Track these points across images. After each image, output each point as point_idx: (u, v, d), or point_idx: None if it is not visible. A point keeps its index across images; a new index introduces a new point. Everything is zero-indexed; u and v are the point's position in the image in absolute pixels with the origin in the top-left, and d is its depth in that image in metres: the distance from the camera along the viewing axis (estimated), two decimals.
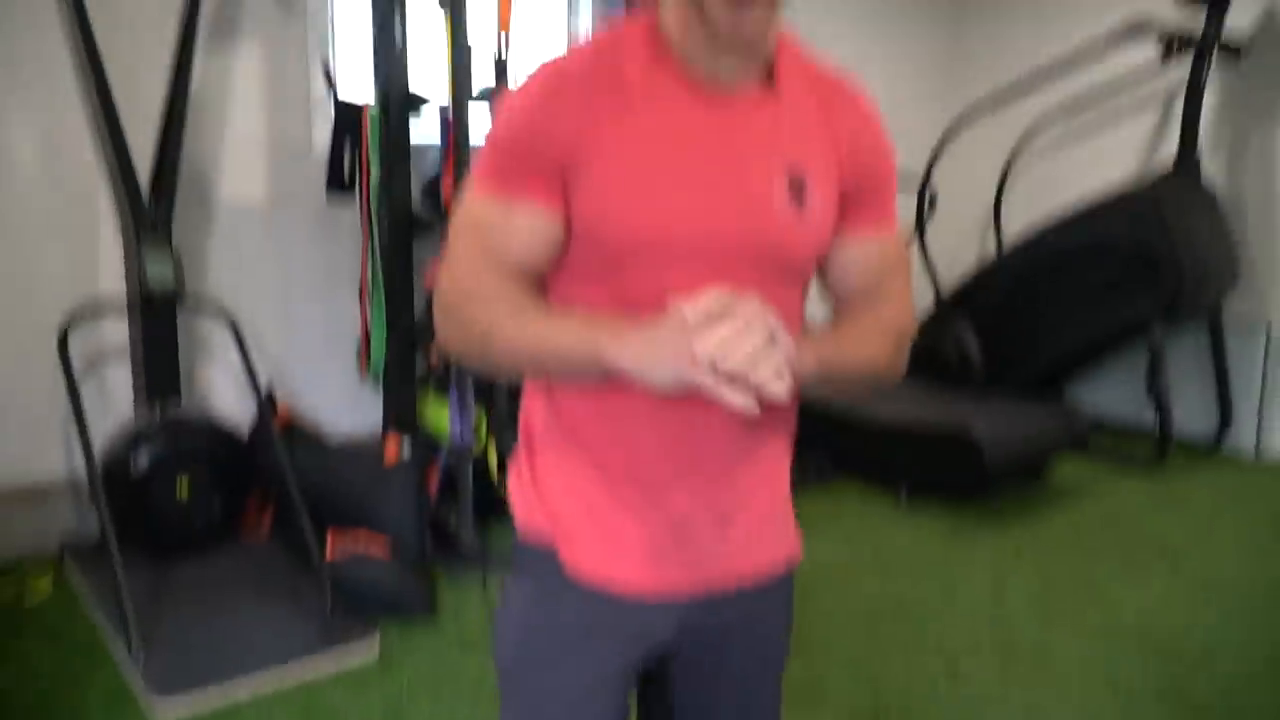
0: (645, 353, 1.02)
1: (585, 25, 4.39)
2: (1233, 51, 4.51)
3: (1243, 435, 4.71)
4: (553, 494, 1.20)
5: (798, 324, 1.21)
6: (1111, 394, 5.00)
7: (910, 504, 4.00)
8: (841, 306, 1.26)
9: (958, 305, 4.96)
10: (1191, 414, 4.71)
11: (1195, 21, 4.41)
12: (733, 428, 1.16)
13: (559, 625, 1.20)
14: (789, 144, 1.15)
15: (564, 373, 1.12)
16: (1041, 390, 4.78)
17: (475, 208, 1.14)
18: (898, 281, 1.26)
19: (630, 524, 1.17)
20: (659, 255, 1.11)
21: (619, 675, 1.22)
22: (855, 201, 1.20)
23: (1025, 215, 5.10)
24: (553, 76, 1.12)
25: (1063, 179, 5.25)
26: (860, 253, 1.22)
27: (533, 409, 1.24)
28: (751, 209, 1.13)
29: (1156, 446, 4.43)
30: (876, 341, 1.21)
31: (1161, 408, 4.38)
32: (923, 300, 5.22)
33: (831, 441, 4.24)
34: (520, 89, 1.13)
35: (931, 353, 5.00)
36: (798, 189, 1.14)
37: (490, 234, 1.12)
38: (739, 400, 0.98)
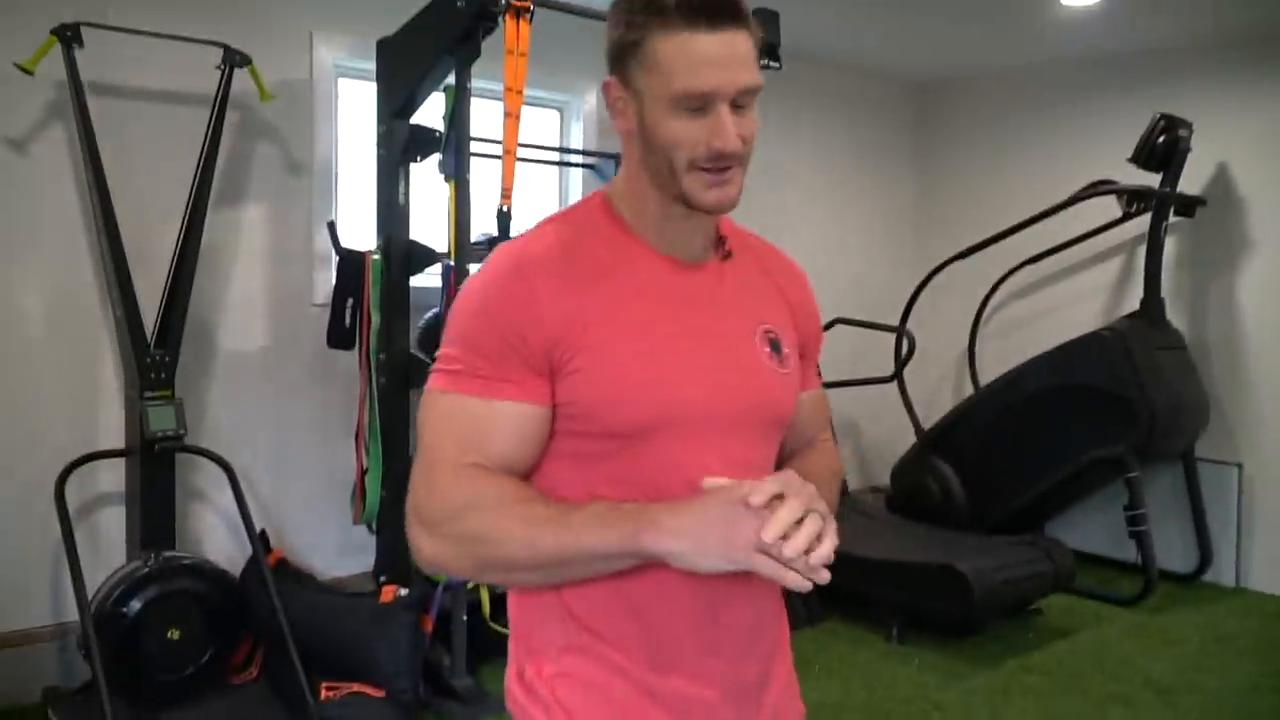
0: (697, 537, 0.99)
1: (577, 185, 4.61)
2: (1190, 203, 4.78)
3: (1223, 568, 4.77)
4: (573, 706, 1.13)
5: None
6: (1094, 529, 5.07)
7: (902, 642, 4.01)
8: (784, 451, 1.30)
9: (938, 445, 5.07)
10: (1172, 547, 4.77)
11: (1151, 181, 4.68)
12: (752, 601, 1.17)
13: None
14: (756, 306, 1.22)
15: (590, 571, 1.07)
16: (1024, 527, 4.84)
17: (453, 408, 1.10)
18: (827, 429, 1.40)
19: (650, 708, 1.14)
20: (669, 431, 1.11)
21: None
22: (804, 361, 1.29)
23: (1000, 356, 5.26)
24: (519, 265, 1.12)
25: (1035, 321, 5.46)
26: (808, 403, 1.32)
27: (526, 607, 1.19)
28: (748, 372, 1.17)
29: (1141, 581, 4.48)
30: (835, 488, 1.32)
31: (1142, 544, 4.45)
32: (903, 440, 5.34)
33: (820, 585, 4.26)
34: (484, 279, 1.13)
35: (914, 492, 5.08)
36: (776, 347, 1.21)
37: (474, 436, 1.09)
38: (794, 580, 0.97)
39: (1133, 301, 4.91)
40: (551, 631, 1.15)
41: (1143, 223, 4.82)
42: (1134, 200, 4.75)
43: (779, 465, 1.28)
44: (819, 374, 1.38)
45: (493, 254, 1.16)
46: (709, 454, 1.12)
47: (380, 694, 3.01)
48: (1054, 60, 5.32)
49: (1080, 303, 5.32)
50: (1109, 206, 4.92)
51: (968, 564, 3.86)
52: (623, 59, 1.12)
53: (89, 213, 3.33)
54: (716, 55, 1.06)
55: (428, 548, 1.08)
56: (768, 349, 1.20)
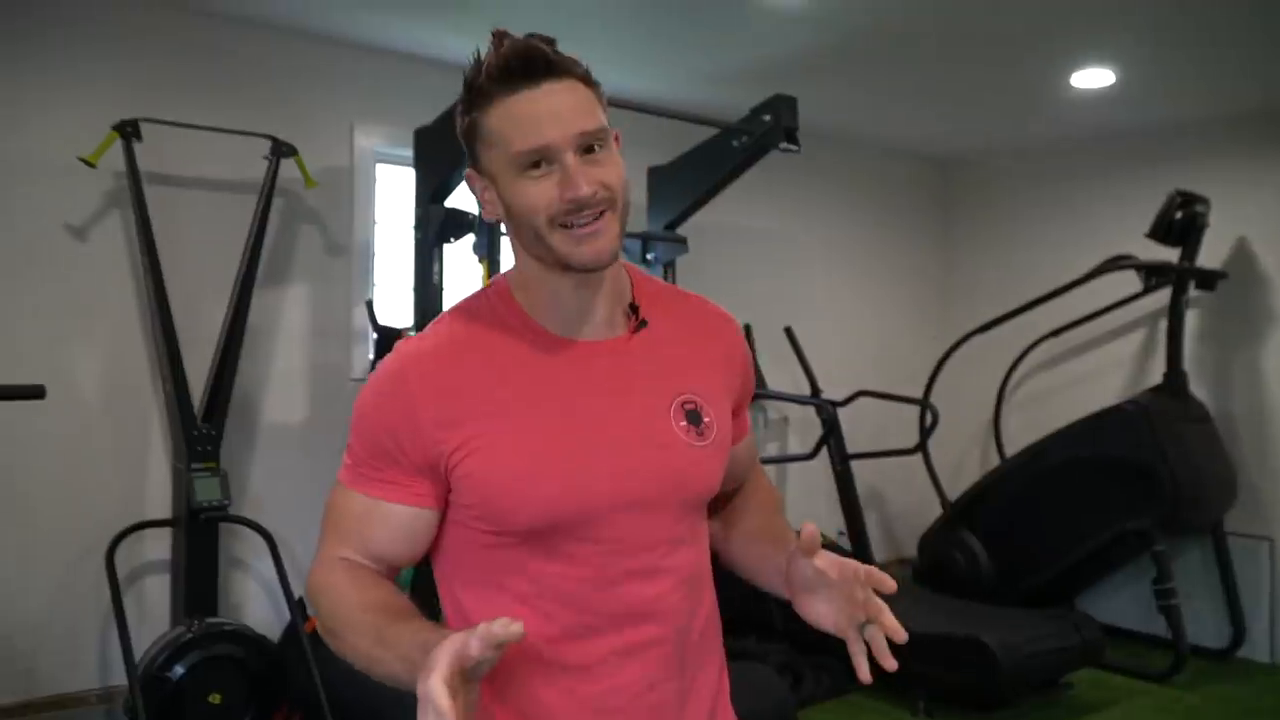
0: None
1: None
2: (1210, 277, 4.84)
3: (1257, 644, 4.73)
4: None
5: (704, 547, 1.26)
6: (1127, 603, 5.04)
7: (929, 716, 4.02)
8: (721, 495, 1.30)
9: (964, 516, 5.10)
10: (1205, 623, 4.74)
11: (1171, 255, 4.77)
12: (661, 682, 1.17)
13: None
14: (674, 375, 1.19)
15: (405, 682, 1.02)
16: (1054, 600, 4.84)
17: (341, 500, 1.16)
18: (758, 465, 1.41)
19: None
20: (574, 527, 1.10)
21: None
22: (737, 411, 1.29)
23: (1025, 427, 5.31)
24: (402, 369, 1.12)
25: (1059, 394, 5.51)
26: (742, 450, 1.33)
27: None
28: (660, 451, 1.14)
29: (1172, 656, 4.46)
30: (783, 519, 1.35)
31: (1171, 619, 4.44)
32: (930, 511, 5.38)
33: (845, 654, 4.29)
34: (373, 380, 1.15)
35: (941, 563, 5.11)
36: (694, 417, 1.17)
37: (353, 530, 1.14)
38: None
39: (1156, 375, 4.95)
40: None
41: (1165, 296, 4.89)
42: (1152, 275, 4.83)
43: (717, 509, 1.32)
44: (748, 418, 1.38)
45: (392, 351, 1.18)
46: (621, 543, 1.13)
47: None
48: (1071, 138, 5.45)
49: (1104, 375, 5.37)
50: (1130, 280, 4.99)
51: (994, 637, 3.88)
52: (471, 148, 1.13)
53: (143, 294, 3.53)
54: (541, 110, 1.06)
55: (312, 612, 1.15)
56: (684, 422, 1.16)
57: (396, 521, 1.13)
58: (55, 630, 3.43)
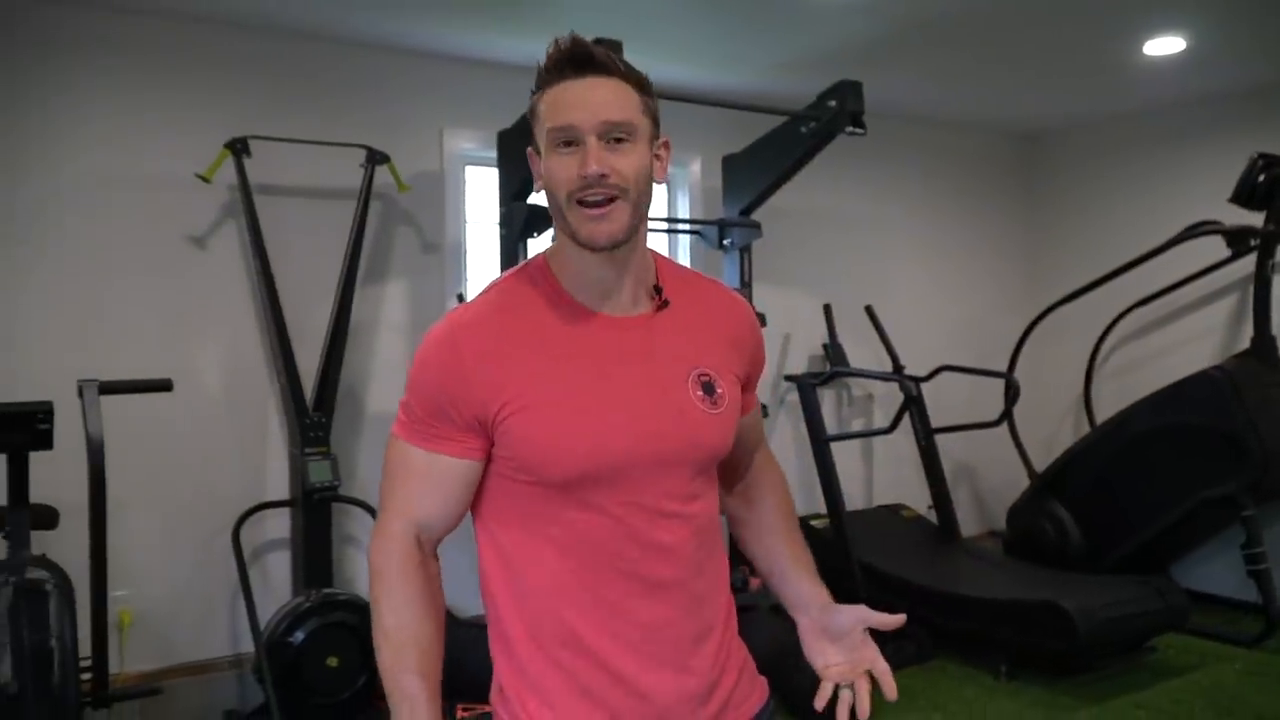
0: None
1: (685, 250, 4.96)
2: None
3: None
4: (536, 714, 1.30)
5: (716, 495, 1.40)
6: (1220, 570, 5.01)
7: (1010, 680, 4.11)
8: (734, 465, 1.49)
9: (1052, 487, 5.14)
10: None
11: (1256, 220, 4.72)
12: (678, 620, 1.30)
13: None
14: (691, 350, 1.32)
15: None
16: (1145, 568, 4.85)
17: (403, 454, 1.28)
18: (765, 442, 1.58)
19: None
20: (600, 480, 1.24)
21: None
22: (746, 387, 1.44)
23: (1118, 397, 5.30)
24: (452, 332, 1.26)
25: (1149, 362, 5.48)
26: (749, 422, 1.48)
27: (498, 662, 1.38)
28: (678, 418, 1.28)
29: (1262, 622, 4.44)
30: (794, 523, 1.54)
31: (1261, 584, 4.42)
32: (1020, 484, 5.43)
33: (930, 620, 4.41)
34: (426, 343, 1.27)
35: (1030, 535, 5.15)
36: (709, 388, 1.31)
37: (415, 479, 1.28)
38: None
39: (1247, 341, 4.91)
40: (526, 685, 1.32)
41: (1252, 261, 4.84)
42: (1237, 240, 4.79)
43: (727, 476, 1.49)
44: (756, 398, 1.53)
45: (443, 318, 1.31)
46: (641, 495, 1.27)
47: None
48: (1148, 106, 5.41)
49: (1195, 343, 5.32)
50: (1218, 246, 4.95)
51: (1072, 601, 3.95)
52: (531, 129, 1.29)
53: (256, 296, 3.86)
54: (579, 97, 1.22)
55: (369, 567, 1.35)
56: (700, 392, 1.30)
57: (451, 474, 1.28)
58: (189, 603, 3.80)
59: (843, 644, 1.41)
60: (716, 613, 1.39)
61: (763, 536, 1.51)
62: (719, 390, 1.32)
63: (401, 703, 1.25)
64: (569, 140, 1.22)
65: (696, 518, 1.33)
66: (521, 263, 1.37)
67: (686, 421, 1.28)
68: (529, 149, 1.31)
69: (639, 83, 1.27)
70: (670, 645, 1.31)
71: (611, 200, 1.22)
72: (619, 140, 1.22)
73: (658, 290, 1.33)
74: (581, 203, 1.22)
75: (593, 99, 1.22)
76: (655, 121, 1.29)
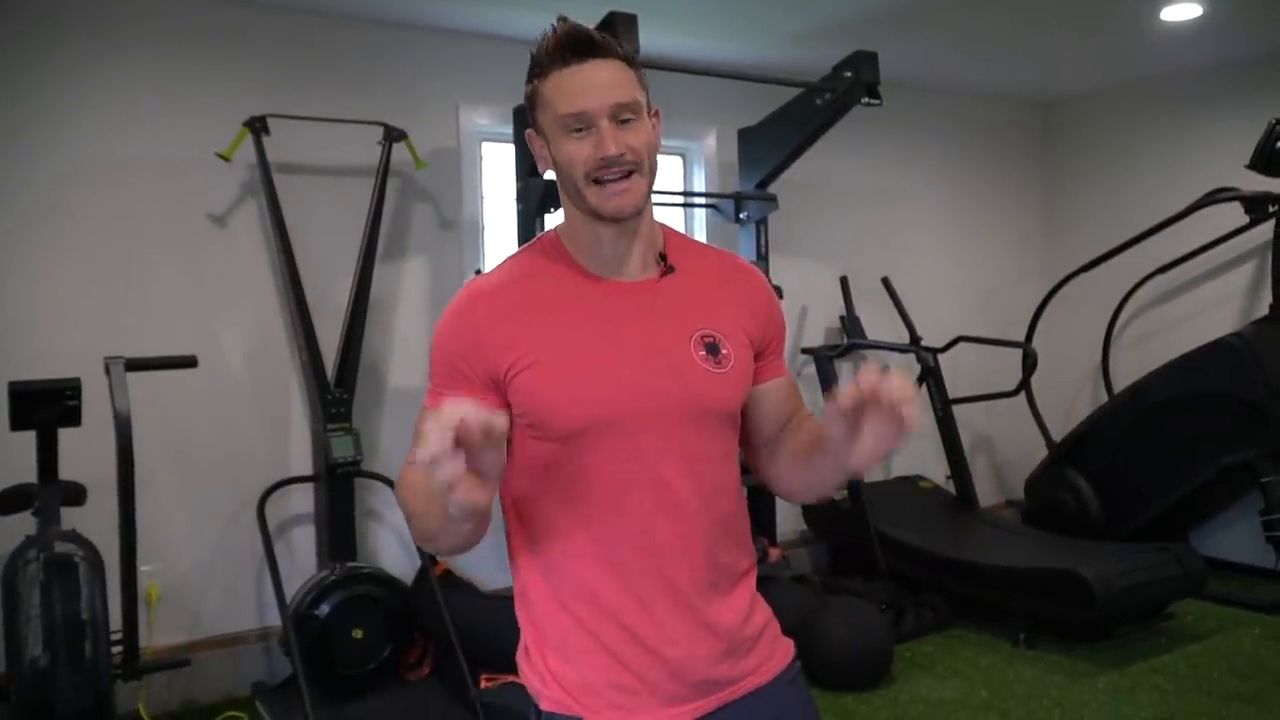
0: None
1: (701, 224, 4.97)
2: None
3: None
4: (568, 678, 1.34)
5: (733, 459, 1.42)
6: (1240, 537, 5.01)
7: (1029, 647, 4.13)
8: (769, 439, 1.47)
9: (1070, 456, 5.15)
10: None
11: (1274, 186, 4.69)
12: (692, 577, 1.34)
13: None
14: (695, 314, 1.38)
15: (427, 511, 1.24)
16: (1163, 536, 4.85)
17: (426, 414, 1.33)
18: (802, 405, 1.52)
19: (641, 687, 1.33)
20: (602, 432, 1.30)
21: None
22: (765, 353, 1.45)
23: (1136, 365, 5.28)
24: (470, 297, 1.35)
25: (1168, 330, 5.47)
26: (776, 391, 1.47)
27: (522, 622, 1.40)
28: (678, 374, 1.33)
29: None
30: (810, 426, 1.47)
31: (1279, 549, 4.43)
32: (1038, 456, 5.44)
33: (949, 588, 4.43)
34: (445, 314, 1.36)
35: (1048, 504, 5.17)
36: (712, 349, 1.36)
37: None
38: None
39: (1265, 307, 4.89)
40: (547, 632, 1.36)
41: (1271, 228, 4.82)
42: (1255, 206, 4.76)
43: (764, 444, 1.47)
44: (784, 361, 1.51)
45: (463, 288, 1.39)
46: (648, 448, 1.31)
47: None
48: (1167, 72, 5.38)
49: (1214, 310, 5.31)
50: (1237, 213, 4.93)
51: (1090, 569, 3.96)
52: (531, 112, 1.34)
53: (277, 273, 3.90)
54: (585, 82, 1.27)
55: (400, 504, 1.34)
56: (703, 352, 1.35)
57: None
58: (217, 577, 3.86)
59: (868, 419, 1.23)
60: (735, 572, 1.41)
61: (800, 451, 1.43)
62: (724, 351, 1.37)
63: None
64: (580, 125, 1.28)
65: (702, 479, 1.36)
66: (534, 238, 1.44)
67: (687, 379, 1.33)
68: (528, 131, 1.37)
69: (630, 59, 1.33)
70: (685, 603, 1.34)
71: (629, 175, 1.30)
72: (626, 120, 1.29)
73: (662, 257, 1.40)
74: (598, 181, 1.29)
75: (599, 83, 1.28)
76: (647, 92, 1.35)
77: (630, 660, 1.32)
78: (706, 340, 1.36)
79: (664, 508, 1.33)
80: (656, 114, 1.37)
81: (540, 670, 1.37)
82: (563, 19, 1.32)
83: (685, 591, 1.34)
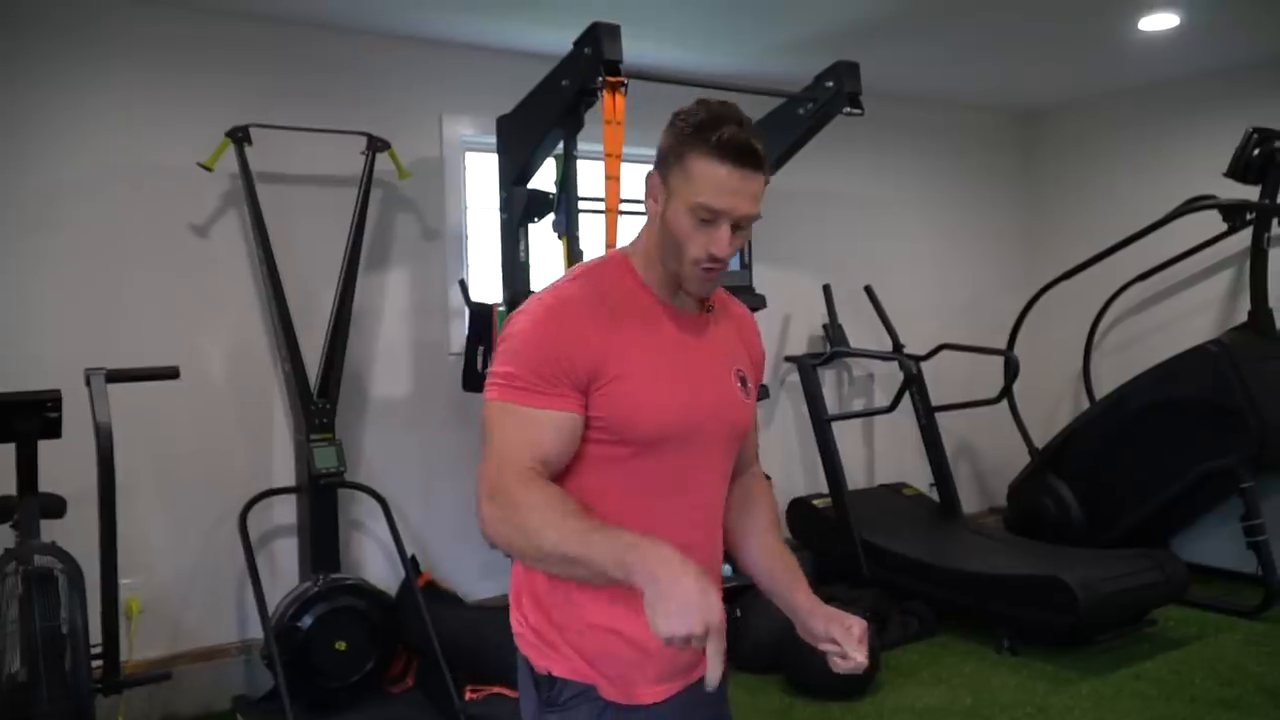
0: (667, 599, 1.21)
1: None
2: None
3: None
4: (580, 645, 1.47)
5: (732, 462, 1.63)
6: (1220, 543, 5.04)
7: (1013, 654, 4.15)
8: (736, 464, 1.67)
9: (1052, 464, 5.18)
10: None
11: (1252, 194, 4.74)
12: (707, 560, 1.53)
13: None
14: (729, 350, 1.61)
15: (591, 579, 1.34)
16: (1145, 542, 4.87)
17: (517, 415, 1.40)
18: (757, 457, 1.80)
19: (644, 664, 1.49)
20: (672, 442, 1.47)
21: None
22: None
23: (1117, 373, 5.31)
24: (565, 303, 1.46)
25: (1148, 337, 5.52)
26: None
27: (535, 582, 1.51)
28: (726, 400, 1.56)
29: (1262, 593, 4.48)
30: (780, 537, 1.74)
31: (1260, 555, 4.46)
32: (1020, 463, 5.46)
33: (933, 595, 4.44)
34: (537, 315, 1.44)
35: (1031, 511, 5.20)
36: (743, 381, 1.60)
37: (532, 437, 1.39)
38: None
39: (1244, 314, 4.94)
40: (558, 600, 1.48)
41: (1249, 236, 4.87)
42: (1233, 214, 4.81)
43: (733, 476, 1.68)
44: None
45: (534, 298, 1.49)
46: (697, 460, 1.52)
47: (517, 695, 3.37)
48: (1145, 82, 5.44)
49: (1194, 317, 5.35)
50: (1216, 221, 4.97)
51: (1073, 575, 3.99)
52: (667, 161, 1.46)
53: (260, 283, 3.88)
54: (734, 186, 1.41)
55: (489, 520, 1.37)
56: (738, 384, 1.59)
57: (567, 426, 1.42)
58: (198, 590, 3.83)
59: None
60: (717, 563, 1.64)
61: (761, 556, 1.70)
62: (748, 385, 1.62)
63: (626, 552, 1.27)
64: (711, 219, 1.42)
65: (723, 477, 1.61)
66: (597, 259, 1.59)
67: (730, 403, 1.56)
68: (653, 171, 1.50)
69: (768, 172, 1.46)
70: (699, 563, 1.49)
71: (718, 269, 1.48)
72: (740, 226, 1.45)
73: (705, 299, 1.59)
74: (700, 266, 1.46)
75: (744, 193, 1.42)
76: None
77: (644, 641, 1.42)
78: (739, 374, 1.60)
79: (698, 495, 1.54)
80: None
81: (552, 639, 1.49)
82: (747, 126, 1.42)
83: (702, 558, 1.46)
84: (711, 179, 1.40)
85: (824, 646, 1.55)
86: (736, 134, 1.40)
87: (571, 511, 1.34)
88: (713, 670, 1.22)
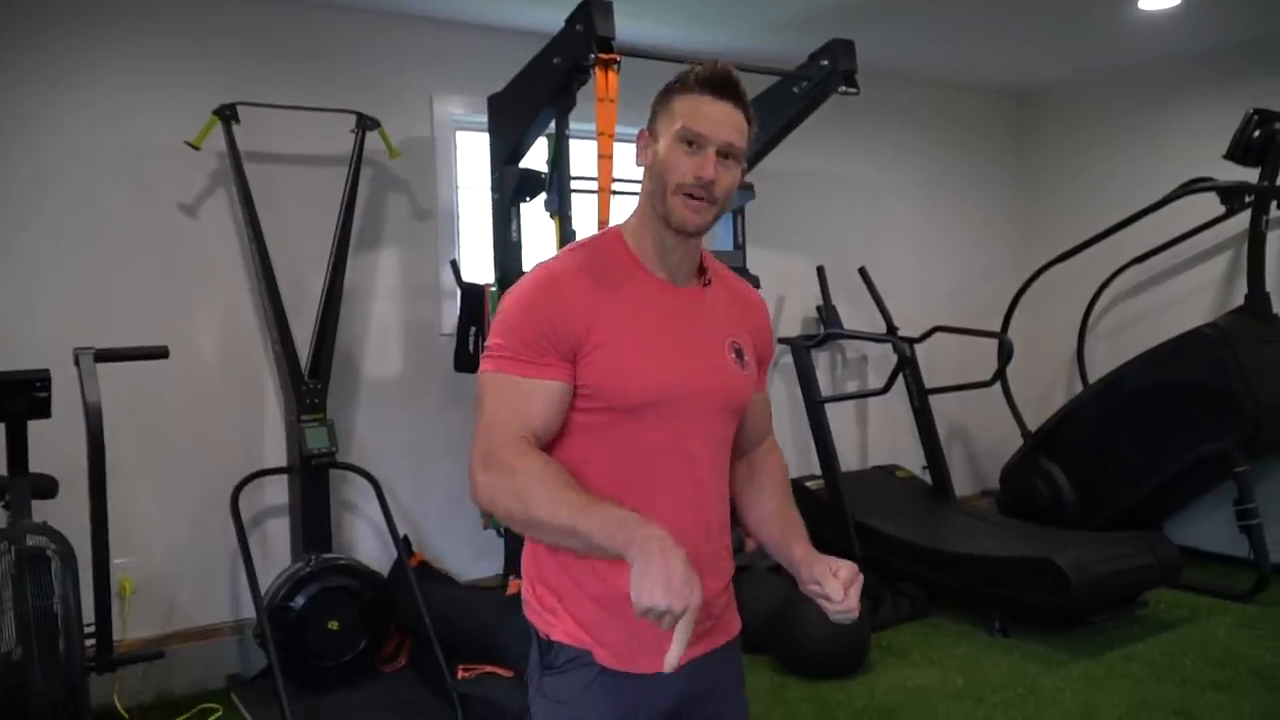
0: (656, 574, 1.24)
1: None
2: None
3: None
4: (578, 612, 1.51)
5: (729, 453, 1.65)
6: (1214, 526, 5.04)
7: (1005, 635, 4.16)
8: (743, 441, 1.71)
9: (1046, 446, 5.18)
10: None
11: (1251, 176, 4.72)
12: (699, 534, 1.53)
13: (599, 710, 1.51)
14: (726, 324, 1.62)
15: (585, 550, 1.38)
16: (1138, 525, 4.88)
17: (507, 385, 1.46)
18: (771, 424, 1.81)
19: (641, 629, 1.43)
20: (657, 409, 1.49)
21: None
22: (758, 367, 1.69)
23: (1111, 356, 5.33)
24: (554, 276, 1.50)
25: (1143, 320, 5.51)
26: (758, 401, 1.72)
27: (538, 546, 1.55)
28: (716, 369, 1.57)
29: (1254, 577, 4.49)
30: (792, 507, 1.73)
31: (1253, 539, 4.47)
32: (1014, 445, 5.46)
33: (925, 577, 4.45)
34: (526, 287, 1.50)
35: (1023, 493, 5.20)
36: (738, 353, 1.61)
37: (522, 406, 1.44)
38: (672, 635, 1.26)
39: (1241, 298, 4.92)
40: (561, 573, 1.52)
41: (1247, 218, 4.85)
42: (1231, 196, 4.79)
43: (736, 449, 1.69)
44: (766, 381, 1.78)
45: (529, 272, 1.54)
46: (687, 429, 1.52)
47: (509, 674, 3.39)
48: (1145, 63, 5.40)
49: (1190, 301, 5.34)
50: (1212, 204, 4.95)
51: (1066, 558, 3.99)
52: (655, 116, 1.54)
53: (249, 263, 3.86)
54: (715, 114, 1.47)
55: (482, 489, 1.42)
56: (732, 355, 1.60)
57: (556, 395, 1.46)
58: (190, 570, 3.83)
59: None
60: (723, 544, 1.63)
61: (764, 521, 1.73)
62: (746, 357, 1.63)
63: (618, 527, 1.32)
64: (693, 142, 1.47)
65: (719, 459, 1.61)
66: (593, 234, 1.64)
67: (722, 374, 1.58)
68: (641, 130, 1.56)
69: (752, 119, 1.53)
70: (692, 533, 1.51)
71: (705, 201, 1.49)
72: (727, 157, 1.48)
73: (703, 271, 1.63)
74: (687, 194, 1.48)
75: (725, 121, 1.47)
76: (750, 147, 1.55)
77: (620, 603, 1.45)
78: (734, 346, 1.61)
79: (687, 482, 1.54)
80: (744, 172, 1.57)
81: (552, 605, 1.53)
82: (726, 65, 1.51)
83: (695, 528, 1.53)
84: (692, 107, 1.47)
85: (809, 590, 1.53)
86: (713, 67, 1.49)
87: (565, 482, 1.39)
88: (673, 651, 1.24)
